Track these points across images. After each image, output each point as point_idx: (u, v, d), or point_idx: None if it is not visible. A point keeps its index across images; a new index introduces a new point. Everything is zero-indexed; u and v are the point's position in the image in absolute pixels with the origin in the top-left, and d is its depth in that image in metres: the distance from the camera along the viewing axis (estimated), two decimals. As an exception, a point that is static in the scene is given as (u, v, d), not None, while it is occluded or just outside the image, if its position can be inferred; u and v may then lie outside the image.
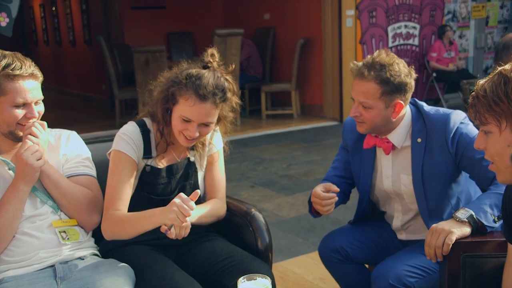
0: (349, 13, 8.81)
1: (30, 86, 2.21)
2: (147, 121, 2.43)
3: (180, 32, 11.29)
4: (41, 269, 2.18)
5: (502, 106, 1.52)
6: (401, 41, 9.60)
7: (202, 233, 2.50)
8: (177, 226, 2.15)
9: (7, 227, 2.16)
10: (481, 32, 10.52)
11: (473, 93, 1.63)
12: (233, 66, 2.56)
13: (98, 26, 12.01)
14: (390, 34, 9.46)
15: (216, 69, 2.34)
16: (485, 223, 2.18)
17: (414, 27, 9.67)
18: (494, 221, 2.21)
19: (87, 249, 2.31)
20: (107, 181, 2.34)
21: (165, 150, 2.44)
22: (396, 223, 2.61)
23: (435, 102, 9.45)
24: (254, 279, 1.77)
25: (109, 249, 2.39)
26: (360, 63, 2.34)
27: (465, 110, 2.30)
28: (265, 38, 9.91)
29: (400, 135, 2.41)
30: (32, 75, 2.21)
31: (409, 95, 2.36)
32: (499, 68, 1.61)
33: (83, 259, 2.26)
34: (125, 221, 2.28)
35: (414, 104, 2.46)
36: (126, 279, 2.15)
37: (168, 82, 2.34)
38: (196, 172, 2.52)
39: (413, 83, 2.35)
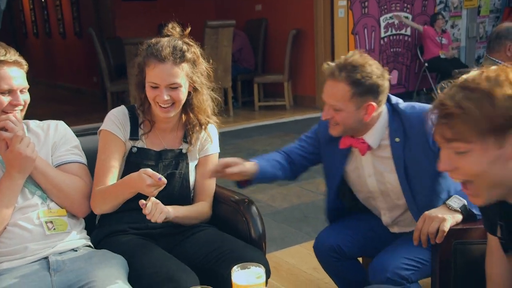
0: (341, 3, 8.86)
1: (15, 74, 2.22)
2: (138, 106, 2.47)
3: (168, 24, 11.16)
4: (34, 261, 2.18)
5: (488, 123, 1.41)
6: (394, 31, 9.65)
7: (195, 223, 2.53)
8: (152, 201, 2.19)
9: (1, 220, 2.17)
10: (473, 22, 10.62)
11: (444, 109, 1.47)
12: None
13: (89, 18, 12.07)
14: (383, 24, 9.49)
15: (177, 36, 2.41)
16: (475, 212, 2.19)
17: (407, 17, 9.69)
18: None
19: (79, 240, 2.31)
20: (96, 161, 2.40)
21: (150, 129, 2.48)
22: (385, 220, 2.63)
23: (428, 91, 9.48)
24: (248, 268, 1.77)
25: (100, 239, 2.40)
26: (333, 64, 2.31)
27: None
28: (257, 29, 9.92)
29: (375, 135, 2.40)
30: (16, 63, 2.22)
31: (382, 97, 2.33)
32: (464, 78, 1.50)
33: (76, 250, 2.26)
34: (106, 192, 2.32)
35: (389, 103, 2.42)
36: (119, 269, 2.16)
37: (137, 59, 2.40)
38: (187, 164, 2.52)
39: (386, 84, 2.31)
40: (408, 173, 2.38)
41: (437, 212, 2.23)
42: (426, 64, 9.45)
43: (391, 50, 9.69)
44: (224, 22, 8.55)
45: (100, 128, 2.45)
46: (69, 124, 2.54)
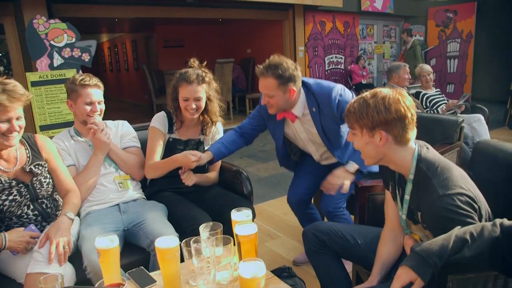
0: (301, 48, 8.88)
1: (94, 92, 2.24)
2: (172, 111, 2.47)
3: (193, 61, 11.10)
4: (111, 206, 2.22)
5: (364, 121, 1.48)
6: (333, 66, 9.59)
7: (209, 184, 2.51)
8: (187, 172, 2.26)
9: (93, 181, 2.21)
10: (380, 62, 10.63)
11: (347, 108, 1.54)
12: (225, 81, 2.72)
13: (143, 58, 12.09)
14: (326, 61, 9.43)
15: (197, 67, 2.41)
16: (363, 170, 2.27)
17: (341, 58, 9.69)
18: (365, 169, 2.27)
19: (137, 194, 2.32)
20: (147, 146, 2.40)
21: (180, 126, 2.44)
22: (316, 158, 2.57)
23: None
24: (241, 211, 1.75)
25: (150, 194, 2.40)
26: (261, 66, 2.20)
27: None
28: (247, 64, 9.85)
29: (299, 109, 2.30)
30: (95, 85, 2.25)
31: (299, 82, 2.23)
32: (363, 94, 1.53)
33: (135, 200, 2.29)
34: (158, 164, 2.33)
35: (305, 85, 2.29)
36: (162, 212, 2.19)
37: (172, 82, 2.40)
38: (204, 148, 2.49)
39: (299, 73, 2.21)
40: (323, 127, 2.32)
41: (339, 174, 2.25)
42: (354, 87, 9.26)
43: (332, 78, 9.49)
44: (227, 60, 8.37)
45: (150, 125, 2.44)
46: (130, 123, 2.55)
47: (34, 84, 4.90)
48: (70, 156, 2.23)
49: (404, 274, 1.23)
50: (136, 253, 2.00)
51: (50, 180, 2.02)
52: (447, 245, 1.20)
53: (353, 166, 2.26)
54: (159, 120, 2.43)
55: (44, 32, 5.01)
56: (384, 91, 1.50)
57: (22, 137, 1.98)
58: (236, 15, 8.23)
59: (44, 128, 4.96)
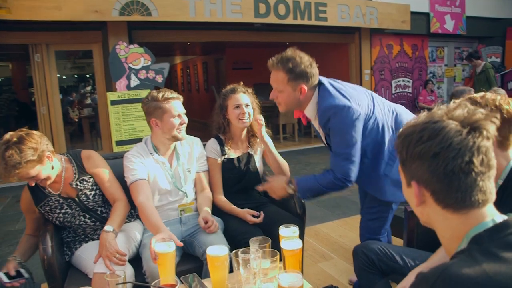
0: (367, 71, 8.88)
1: (178, 104, 2.23)
2: (220, 134, 2.51)
3: (261, 83, 11.17)
4: (174, 218, 2.29)
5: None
6: (400, 90, 9.48)
7: (263, 203, 2.53)
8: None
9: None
10: (451, 85, 10.32)
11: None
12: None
13: (212, 79, 12.68)
14: (393, 85, 9.33)
15: (242, 87, 2.48)
16: (304, 199, 2.28)
17: (409, 81, 9.54)
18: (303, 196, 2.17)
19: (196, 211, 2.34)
20: (210, 176, 2.42)
21: (230, 144, 2.48)
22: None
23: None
24: (289, 227, 1.78)
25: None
26: (273, 58, 2.05)
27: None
28: None
29: (310, 111, 2.09)
30: (177, 97, 2.25)
31: (312, 81, 2.02)
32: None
33: (196, 211, 2.34)
34: (225, 207, 2.39)
35: (321, 87, 2.05)
36: (218, 225, 2.20)
37: (218, 103, 2.48)
38: (254, 159, 2.53)
39: (313, 71, 2.00)
40: (327, 136, 2.11)
41: (276, 185, 2.19)
42: (421, 111, 8.73)
43: (399, 101, 9.13)
44: None
45: (206, 155, 2.44)
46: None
47: (113, 102, 5.34)
48: (145, 170, 2.18)
49: None
50: (191, 262, 2.12)
51: (97, 192, 2.16)
52: None
53: (291, 188, 2.14)
54: (211, 147, 2.47)
55: (124, 56, 5.49)
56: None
57: (70, 154, 2.17)
58: (303, 38, 8.43)
59: (119, 143, 5.37)
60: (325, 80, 2.07)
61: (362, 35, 8.70)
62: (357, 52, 8.88)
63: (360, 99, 2.02)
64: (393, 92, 9.44)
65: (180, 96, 2.26)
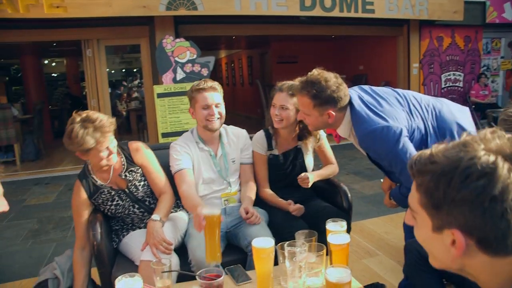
0: (415, 65, 8.73)
1: (210, 95, 2.19)
2: (270, 128, 2.46)
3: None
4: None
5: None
6: (450, 84, 9.25)
7: (309, 196, 2.49)
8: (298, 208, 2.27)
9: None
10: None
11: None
12: None
13: (257, 73, 12.76)
14: (443, 79, 9.09)
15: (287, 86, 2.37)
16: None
17: (460, 75, 9.30)
18: None
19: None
20: (255, 170, 2.40)
21: (278, 140, 2.44)
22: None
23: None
24: (336, 222, 1.75)
25: (254, 202, 2.34)
26: (298, 81, 2.02)
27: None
28: (359, 81, 9.57)
29: (344, 130, 2.01)
30: (211, 88, 2.20)
31: (341, 104, 1.91)
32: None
33: (240, 202, 2.31)
34: (271, 200, 2.37)
35: (352, 106, 1.95)
36: (263, 217, 2.23)
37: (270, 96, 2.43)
38: (302, 155, 2.47)
39: (341, 94, 1.90)
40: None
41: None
42: (473, 106, 8.78)
43: (449, 96, 8.97)
44: (340, 76, 8.27)
45: (251, 149, 2.42)
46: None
47: (160, 95, 5.45)
48: (190, 160, 2.22)
49: None
50: (236, 253, 2.12)
51: (145, 182, 2.19)
52: None
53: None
54: (257, 141, 2.43)
55: (170, 50, 5.59)
56: None
57: (119, 146, 2.18)
58: (349, 31, 8.32)
59: (165, 135, 5.48)
60: (355, 98, 1.96)
61: (411, 27, 8.48)
62: (405, 45, 8.70)
63: (397, 113, 1.92)
64: (443, 86, 9.22)
65: (217, 87, 2.23)
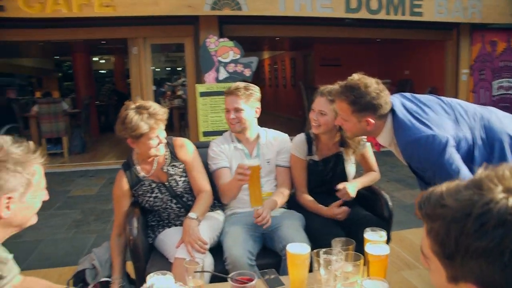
0: (465, 71, 8.37)
1: (231, 99, 2.24)
2: (311, 132, 2.39)
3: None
4: (250, 210, 2.23)
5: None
6: (503, 91, 8.71)
7: (350, 203, 2.38)
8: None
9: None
10: None
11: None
12: None
13: (300, 75, 12.54)
14: (495, 86, 8.63)
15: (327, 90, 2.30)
16: None
17: None
18: None
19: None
20: (293, 174, 2.38)
21: (319, 145, 2.38)
22: None
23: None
24: (375, 231, 1.70)
25: (291, 205, 2.41)
26: (338, 85, 1.94)
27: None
28: (404, 86, 9.53)
29: (384, 138, 1.93)
30: (232, 92, 2.23)
31: (381, 111, 1.83)
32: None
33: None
34: (309, 205, 2.34)
35: (394, 114, 1.86)
36: (298, 221, 2.23)
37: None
38: (343, 161, 2.40)
39: (381, 101, 1.82)
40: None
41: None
42: None
43: (500, 104, 8.27)
44: (384, 81, 7.98)
45: (290, 153, 2.39)
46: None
47: (202, 94, 5.51)
48: (225, 159, 2.29)
49: None
50: (270, 257, 2.10)
51: (186, 179, 2.22)
52: None
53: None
54: (297, 145, 2.39)
55: (214, 50, 5.64)
56: None
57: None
58: (394, 35, 8.12)
59: (206, 134, 5.53)
60: (397, 105, 1.87)
61: (461, 31, 8.14)
62: (454, 50, 8.37)
63: (443, 122, 1.81)
64: (494, 94, 8.73)
65: (237, 92, 2.23)
